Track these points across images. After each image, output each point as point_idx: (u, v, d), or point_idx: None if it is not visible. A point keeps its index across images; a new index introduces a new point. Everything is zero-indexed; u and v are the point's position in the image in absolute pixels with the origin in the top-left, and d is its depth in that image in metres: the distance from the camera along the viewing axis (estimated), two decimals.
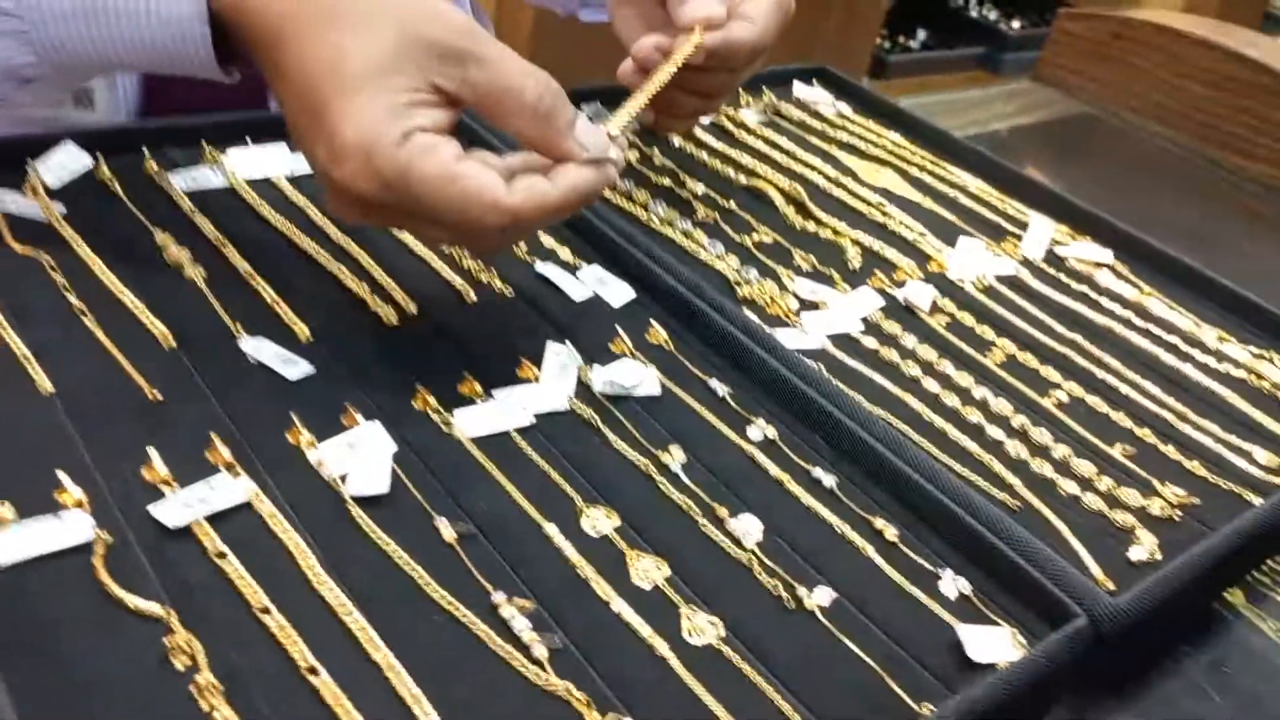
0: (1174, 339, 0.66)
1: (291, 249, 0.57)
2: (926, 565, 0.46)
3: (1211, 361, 0.65)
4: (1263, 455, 0.58)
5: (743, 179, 0.74)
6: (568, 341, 0.54)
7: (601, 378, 0.52)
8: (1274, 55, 1.02)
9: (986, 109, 1.08)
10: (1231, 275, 0.95)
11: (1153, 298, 0.70)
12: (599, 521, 0.45)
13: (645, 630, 0.40)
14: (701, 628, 0.41)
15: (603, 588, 0.42)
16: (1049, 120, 1.09)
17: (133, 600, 0.37)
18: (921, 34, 2.42)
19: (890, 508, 0.49)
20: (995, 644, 0.43)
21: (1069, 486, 0.53)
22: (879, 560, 0.46)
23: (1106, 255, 0.74)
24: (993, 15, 2.39)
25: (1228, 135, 1.02)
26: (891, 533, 0.47)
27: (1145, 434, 0.58)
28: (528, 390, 0.51)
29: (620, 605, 0.41)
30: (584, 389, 0.52)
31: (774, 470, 0.50)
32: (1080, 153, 1.08)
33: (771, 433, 0.52)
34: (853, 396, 0.54)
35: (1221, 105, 1.02)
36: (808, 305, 0.63)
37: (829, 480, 0.49)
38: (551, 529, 0.44)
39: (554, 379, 0.52)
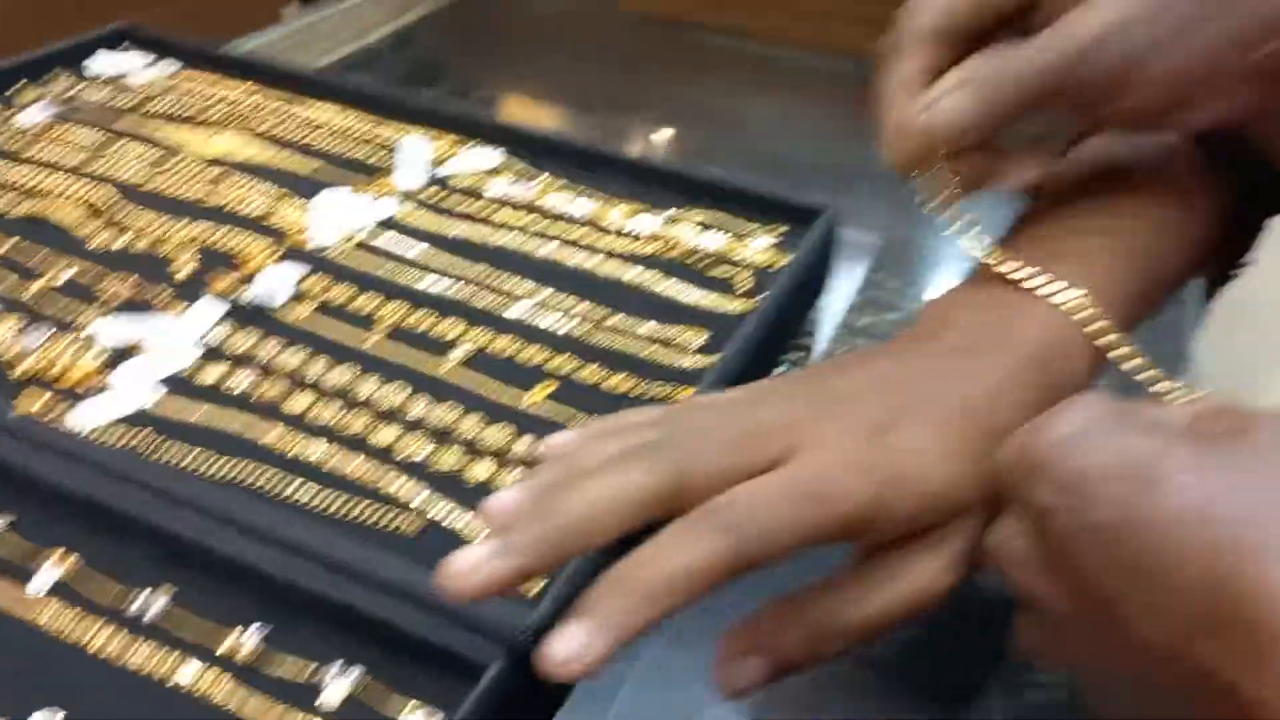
0: (580, 233, 0.59)
1: None
2: (302, 673, 0.35)
3: (621, 245, 0.58)
4: (687, 337, 0.52)
5: (22, 206, 0.57)
6: None
7: None
8: None
9: (355, 22, 0.95)
10: (660, 117, 0.92)
11: (552, 191, 0.62)
12: None
13: None
14: None
15: None
16: (434, 12, 0.98)
17: None
18: None
19: (247, 613, 0.36)
20: None
21: (479, 471, 0.43)
22: (231, 698, 0.34)
23: (495, 158, 0.64)
24: None
25: None
26: (249, 649, 0.35)
27: (562, 363, 0.49)
28: None
29: None
30: None
31: (70, 628, 0.36)
32: (476, 39, 0.99)
33: (65, 571, 0.37)
34: (182, 466, 0.41)
35: None
36: (122, 354, 0.48)
37: (153, 609, 0.36)
38: None
39: None
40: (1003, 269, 0.35)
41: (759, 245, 0.58)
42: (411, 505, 0.41)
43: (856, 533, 0.30)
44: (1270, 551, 0.22)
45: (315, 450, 0.43)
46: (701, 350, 0.51)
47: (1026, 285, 0.34)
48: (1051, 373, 0.33)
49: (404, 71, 0.91)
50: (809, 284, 0.57)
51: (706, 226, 0.59)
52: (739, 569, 0.28)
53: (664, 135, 0.90)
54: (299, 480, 0.42)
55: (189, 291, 0.52)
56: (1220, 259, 0.43)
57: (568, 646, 0.26)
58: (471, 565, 0.27)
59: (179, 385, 0.46)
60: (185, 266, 0.53)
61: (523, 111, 0.93)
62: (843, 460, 0.29)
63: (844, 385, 0.32)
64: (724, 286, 0.55)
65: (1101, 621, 0.26)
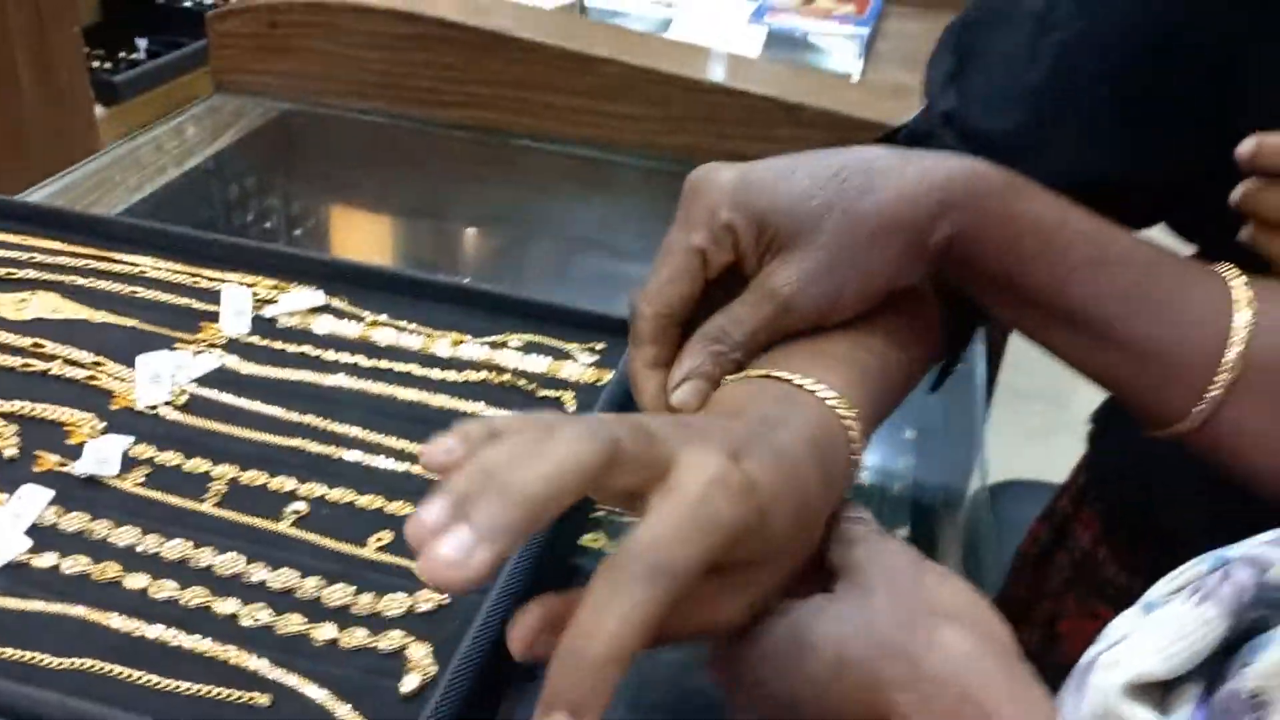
0: (409, 367, 0.61)
1: None
2: None
3: (450, 376, 0.61)
4: None
5: None
6: None
7: None
8: (425, 4, 1.00)
9: (171, 149, 0.95)
10: (479, 223, 0.95)
11: (379, 327, 0.64)
12: None
13: None
14: None
15: None
16: (249, 135, 0.99)
17: None
18: (142, 42, 2.20)
19: None
20: None
21: (325, 632, 0.45)
22: None
23: (318, 298, 0.66)
24: (207, 1, 2.22)
25: (422, 92, 1.00)
26: None
27: (399, 507, 0.51)
28: None
29: None
30: None
31: None
32: (293, 158, 1.00)
33: None
34: (22, 661, 0.41)
35: (403, 65, 0.99)
36: None
37: None
38: None
39: None
40: (778, 373, 0.39)
41: (581, 362, 0.62)
42: (261, 675, 0.43)
43: (727, 555, 0.32)
44: (895, 683, 0.30)
45: (158, 630, 0.44)
46: None
47: (803, 385, 0.39)
48: (826, 453, 0.37)
49: (222, 198, 0.92)
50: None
51: (528, 349, 0.63)
52: (669, 608, 0.29)
53: (487, 243, 0.94)
54: (143, 665, 0.42)
55: (14, 474, 0.52)
56: (946, 357, 0.49)
57: None
58: (461, 557, 0.26)
59: (11, 576, 0.46)
60: (8, 445, 0.53)
61: (347, 229, 0.95)
62: (719, 484, 0.31)
63: (695, 421, 0.36)
64: (552, 408, 0.59)
65: None
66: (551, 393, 0.60)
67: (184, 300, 0.65)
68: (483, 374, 0.61)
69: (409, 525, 0.28)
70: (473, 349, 0.62)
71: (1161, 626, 0.35)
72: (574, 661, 0.28)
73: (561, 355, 0.62)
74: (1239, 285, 0.41)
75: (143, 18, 2.24)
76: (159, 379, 0.58)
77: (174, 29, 2.20)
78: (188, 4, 2.31)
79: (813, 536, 0.36)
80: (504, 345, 0.63)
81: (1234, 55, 0.44)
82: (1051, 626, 0.64)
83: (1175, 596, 0.36)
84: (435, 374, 0.60)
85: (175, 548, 0.48)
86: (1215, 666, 0.33)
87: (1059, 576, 0.66)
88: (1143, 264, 0.41)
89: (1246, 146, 0.40)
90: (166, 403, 0.57)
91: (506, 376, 0.61)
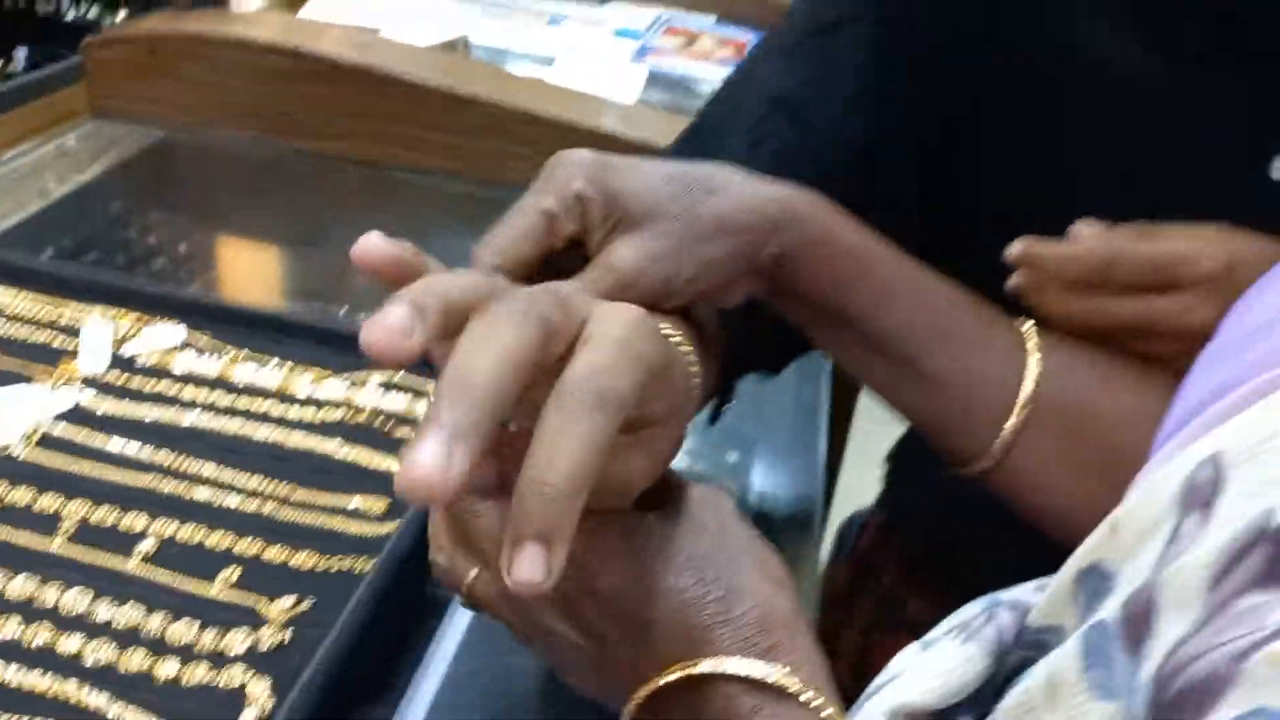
0: (266, 405, 0.63)
1: None
2: None
3: (308, 414, 0.62)
4: (370, 505, 0.57)
5: None
6: None
7: None
8: (308, 37, 1.02)
9: (44, 175, 0.95)
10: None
11: (239, 363, 0.66)
12: None
13: None
14: None
15: None
16: (125, 162, 0.99)
17: None
18: (21, 53, 2.15)
19: None
20: None
21: (167, 669, 0.46)
22: None
23: (179, 334, 0.67)
24: (93, 13, 2.18)
25: (301, 125, 1.01)
26: None
27: (249, 546, 0.53)
28: None
29: None
30: None
31: None
32: (170, 187, 1.00)
33: None
34: None
35: (283, 98, 1.01)
36: None
37: None
38: None
39: None
40: None
41: None
42: (100, 713, 0.44)
43: (641, 404, 0.33)
44: (719, 618, 0.33)
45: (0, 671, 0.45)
46: (384, 517, 0.56)
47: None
48: (676, 369, 0.38)
49: (94, 226, 0.92)
50: None
51: (388, 387, 0.65)
52: (614, 439, 0.30)
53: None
54: None
55: None
56: (718, 397, 0.53)
57: (534, 567, 0.28)
58: (442, 462, 0.26)
59: None
60: None
61: (224, 259, 0.96)
62: (636, 326, 0.33)
63: None
64: (406, 449, 0.61)
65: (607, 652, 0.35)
66: (407, 431, 0.62)
67: (44, 336, 0.66)
68: (340, 412, 0.63)
69: (368, 329, 0.28)
70: (332, 387, 0.64)
71: (931, 662, 0.39)
72: (538, 491, 0.28)
73: (420, 394, 0.65)
74: (1029, 329, 0.45)
75: (22, 29, 2.19)
76: (14, 415, 0.59)
77: (54, 41, 2.14)
78: (70, 17, 2.26)
79: (682, 428, 0.38)
80: (364, 384, 0.65)
81: (945, 161, 0.48)
82: (861, 659, 0.68)
83: (948, 636, 0.40)
84: (293, 412, 0.62)
85: (21, 586, 0.49)
86: (988, 701, 0.37)
87: (863, 614, 0.69)
88: (949, 300, 0.45)
89: (1014, 251, 0.44)
90: (20, 439, 0.57)
91: (364, 415, 0.63)
